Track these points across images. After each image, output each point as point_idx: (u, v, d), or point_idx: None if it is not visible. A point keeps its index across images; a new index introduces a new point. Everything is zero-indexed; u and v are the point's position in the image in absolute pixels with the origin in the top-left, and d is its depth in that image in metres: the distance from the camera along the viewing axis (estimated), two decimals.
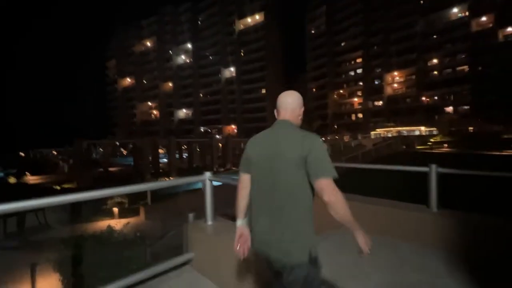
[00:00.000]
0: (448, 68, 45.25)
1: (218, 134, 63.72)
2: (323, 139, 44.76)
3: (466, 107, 42.23)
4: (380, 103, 52.90)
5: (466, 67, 43.01)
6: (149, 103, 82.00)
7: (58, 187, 17.10)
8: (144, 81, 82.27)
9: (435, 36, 45.80)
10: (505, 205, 4.27)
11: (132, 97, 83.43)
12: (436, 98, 46.03)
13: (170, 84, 77.67)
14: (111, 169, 23.75)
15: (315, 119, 47.46)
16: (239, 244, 1.33)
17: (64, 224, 7.16)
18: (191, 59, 74.89)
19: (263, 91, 65.64)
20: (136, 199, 9.43)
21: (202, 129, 72.50)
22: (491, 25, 40.46)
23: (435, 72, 46.88)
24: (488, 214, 2.61)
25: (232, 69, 68.85)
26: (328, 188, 1.09)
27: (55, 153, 40.07)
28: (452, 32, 43.47)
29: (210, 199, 2.47)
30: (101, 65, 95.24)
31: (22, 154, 46.00)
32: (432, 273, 2.25)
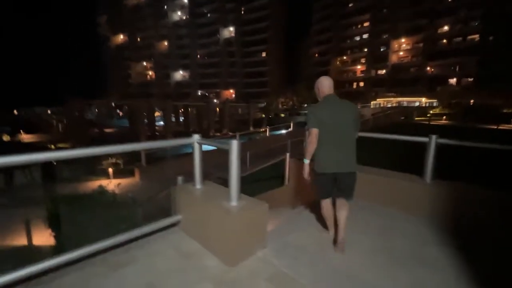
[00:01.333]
0: (459, 36, 42.98)
1: (216, 99, 62.60)
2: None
3: (470, 79, 41.15)
4: (384, 71, 51.27)
5: (477, 36, 40.93)
6: (144, 63, 78.68)
7: (53, 146, 17.05)
8: (138, 39, 77.82)
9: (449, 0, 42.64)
10: (498, 177, 4.29)
11: (127, 57, 79.59)
12: (441, 68, 44.54)
13: (166, 43, 73.73)
14: (106, 130, 23.55)
15: (313, 87, 46.25)
16: (307, 174, 2.21)
17: (56, 183, 7.22)
18: (188, 16, 70.06)
19: (264, 54, 62.79)
20: (131, 160, 9.44)
21: (199, 92, 70.78)
22: None
23: (444, 41, 44.65)
24: (480, 185, 2.58)
25: (231, 28, 64.88)
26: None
27: (49, 112, 39.30)
28: None
29: (198, 162, 2.37)
30: (93, 20, 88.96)
31: (15, 112, 45.15)
32: (419, 241, 2.28)
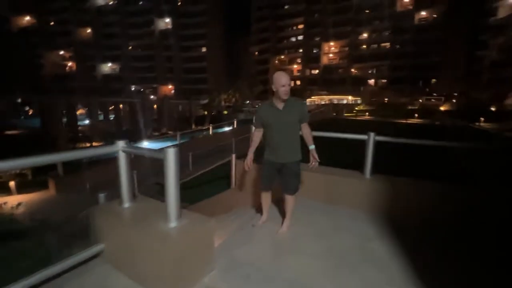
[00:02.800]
0: (374, 43, 49.94)
1: (154, 95, 57.93)
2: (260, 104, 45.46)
3: (384, 80, 48.34)
4: (317, 71, 55.78)
5: (388, 44, 48.25)
6: (61, 52, 67.21)
7: None
8: (51, 23, 65.85)
9: (367, 11, 48.96)
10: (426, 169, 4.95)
11: (35, 44, 66.38)
12: (362, 70, 50.99)
13: (89, 31, 64.47)
14: (8, 132, 18.88)
15: (256, 84, 47.25)
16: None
17: None
18: (116, 2, 62.58)
19: (204, 49, 60.84)
20: (44, 169, 7.67)
21: (133, 88, 64.33)
22: (411, 7, 45.31)
23: (364, 46, 51.21)
24: (413, 177, 2.82)
25: (167, 20, 60.72)
26: None
27: None
28: (382, 9, 47.10)
29: (125, 175, 1.92)
30: None
31: None
32: (363, 237, 2.33)
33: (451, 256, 2.12)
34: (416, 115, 30.06)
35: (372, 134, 2.84)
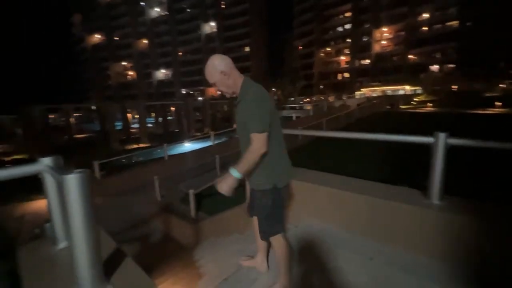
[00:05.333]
0: (438, 23, 43.13)
1: (201, 96, 60.84)
2: (308, 99, 43.50)
3: (451, 65, 41.43)
4: (367, 61, 51.09)
5: (456, 22, 41.14)
6: (124, 63, 75.60)
7: (8, 159, 15.29)
8: (115, 38, 74.52)
9: None
10: None
11: (104, 58, 76.06)
12: (423, 55, 44.70)
13: (145, 42, 70.99)
14: (77, 136, 21.68)
15: (299, 79, 45.52)
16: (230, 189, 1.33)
17: None
18: (167, 13, 67.55)
19: (247, 49, 61.36)
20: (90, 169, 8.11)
21: (183, 91, 68.72)
22: None
23: (425, 28, 44.74)
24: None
25: (212, 23, 63.02)
26: None
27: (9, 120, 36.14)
28: None
29: (55, 202, 1.35)
30: (66, 21, 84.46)
31: None
32: None
33: None
34: (499, 103, 24.57)
35: (442, 136, 1.74)
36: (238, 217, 4.25)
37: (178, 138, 18.60)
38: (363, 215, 2.04)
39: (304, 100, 42.48)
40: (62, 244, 1.44)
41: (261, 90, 1.45)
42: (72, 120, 23.54)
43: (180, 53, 69.07)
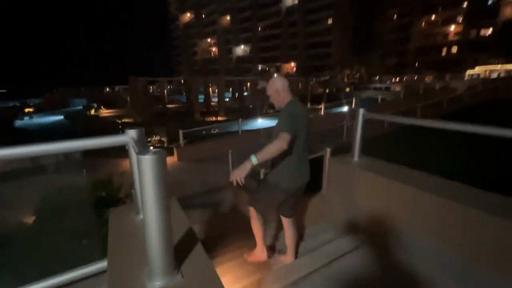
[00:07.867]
0: None
1: (277, 73, 60.54)
2: (398, 79, 37.61)
3: None
4: (489, 31, 39.82)
5: None
6: (208, 40, 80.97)
7: (119, 121, 19.04)
8: (203, 15, 79.79)
9: None
10: None
11: (193, 34, 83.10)
12: None
13: (228, 18, 73.54)
14: (169, 106, 25.00)
15: (390, 55, 39.46)
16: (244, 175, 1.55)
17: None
18: None
19: (329, 21, 56.28)
20: (175, 138, 9.27)
21: (260, 67, 69.57)
22: None
23: None
24: None
25: None
26: None
27: (122, 89, 44.33)
28: None
29: (137, 176, 1.36)
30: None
31: (107, 89, 52.37)
32: None
33: None
34: None
35: None
36: (315, 209, 3.95)
37: (252, 114, 19.19)
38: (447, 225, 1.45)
39: (392, 80, 36.97)
40: (141, 216, 1.45)
41: (296, 108, 1.76)
42: (165, 91, 27.05)
43: (259, 28, 69.03)
